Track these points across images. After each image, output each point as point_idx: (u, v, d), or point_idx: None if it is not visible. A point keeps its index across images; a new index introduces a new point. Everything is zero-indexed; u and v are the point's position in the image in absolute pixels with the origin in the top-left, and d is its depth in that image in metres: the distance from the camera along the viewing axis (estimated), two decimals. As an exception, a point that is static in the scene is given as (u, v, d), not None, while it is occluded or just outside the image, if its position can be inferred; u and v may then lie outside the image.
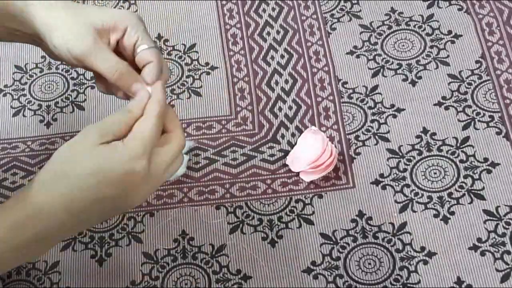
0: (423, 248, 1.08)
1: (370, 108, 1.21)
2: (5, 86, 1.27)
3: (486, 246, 1.08)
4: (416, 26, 1.28)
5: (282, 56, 1.27)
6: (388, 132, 1.18)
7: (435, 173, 1.14)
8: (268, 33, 1.30)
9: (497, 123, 1.18)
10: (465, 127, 1.18)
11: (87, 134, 0.75)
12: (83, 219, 0.76)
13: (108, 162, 0.74)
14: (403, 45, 1.26)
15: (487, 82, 1.21)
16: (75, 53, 0.79)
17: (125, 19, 0.82)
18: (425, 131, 1.18)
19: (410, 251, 1.08)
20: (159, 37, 1.31)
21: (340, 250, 1.09)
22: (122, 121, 0.77)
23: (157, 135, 0.77)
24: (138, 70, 0.83)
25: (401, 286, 1.06)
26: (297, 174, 1.15)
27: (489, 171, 1.14)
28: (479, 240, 1.09)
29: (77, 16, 0.80)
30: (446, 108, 1.20)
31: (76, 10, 0.81)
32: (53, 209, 0.74)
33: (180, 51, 1.29)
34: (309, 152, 1.13)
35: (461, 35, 1.27)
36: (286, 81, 1.25)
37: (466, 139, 1.17)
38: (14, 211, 0.74)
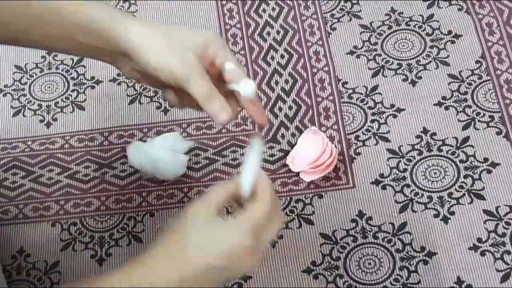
0: (423, 248, 1.08)
1: (370, 108, 1.21)
2: (5, 86, 1.27)
3: (486, 246, 1.08)
4: (416, 26, 1.28)
5: (282, 56, 1.27)
6: (388, 132, 1.18)
7: (435, 173, 1.14)
8: (268, 33, 1.30)
9: (497, 123, 1.18)
10: (465, 127, 1.18)
11: (205, 207, 0.81)
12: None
13: (222, 235, 0.80)
14: (403, 45, 1.26)
15: (487, 82, 1.21)
16: (177, 77, 0.83)
17: (214, 41, 0.87)
18: (425, 131, 1.18)
19: (410, 251, 1.08)
20: (159, 37, 1.30)
21: (340, 250, 1.09)
22: (230, 195, 0.84)
23: (264, 216, 0.82)
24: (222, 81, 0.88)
25: (401, 286, 1.06)
26: (297, 174, 1.15)
27: (489, 171, 1.14)
28: (479, 240, 1.09)
29: (174, 39, 0.85)
30: (446, 108, 1.20)
31: (171, 32, 0.86)
32: (171, 280, 0.79)
33: (180, 51, 1.29)
34: (309, 152, 1.14)
35: (461, 35, 1.27)
36: (286, 81, 1.25)
37: (466, 139, 1.17)
38: (135, 277, 0.79)
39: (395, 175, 1.14)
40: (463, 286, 1.05)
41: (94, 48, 0.88)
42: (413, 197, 1.12)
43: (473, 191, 1.12)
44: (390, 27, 1.29)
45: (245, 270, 0.82)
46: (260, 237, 0.81)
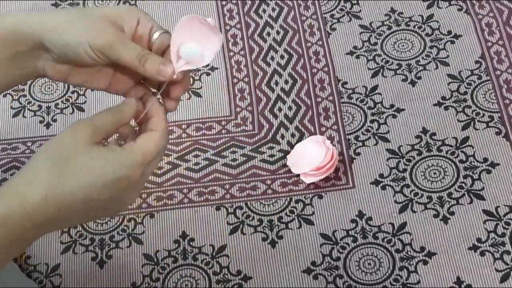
0: (422, 248, 1.08)
1: (369, 108, 1.21)
2: (6, 87, 1.27)
3: (486, 246, 1.08)
4: (416, 26, 1.28)
5: (282, 57, 1.27)
6: (388, 132, 1.19)
7: (434, 173, 1.14)
8: (268, 34, 1.30)
9: (496, 123, 1.18)
10: (464, 127, 1.18)
11: (78, 131, 0.75)
12: (68, 218, 0.76)
13: (104, 165, 0.74)
14: (403, 45, 1.26)
15: (487, 82, 1.21)
16: (98, 44, 0.77)
17: (134, 11, 0.81)
18: (424, 131, 1.18)
19: (410, 251, 1.08)
20: (159, 37, 1.31)
21: (340, 250, 1.09)
22: (114, 123, 0.77)
23: (157, 151, 0.77)
24: None
25: (401, 286, 1.06)
26: (297, 174, 1.15)
27: (488, 171, 1.14)
28: (478, 240, 1.09)
29: (88, 14, 0.79)
30: (446, 108, 1.20)
31: (85, 10, 0.81)
32: (46, 206, 0.73)
33: (180, 52, 1.29)
34: (311, 159, 1.13)
35: (460, 35, 1.27)
36: (286, 82, 1.25)
37: (466, 139, 1.17)
38: (7, 204, 0.73)
39: (394, 175, 1.15)
40: (462, 286, 1.05)
41: (10, 56, 0.81)
42: (412, 197, 1.12)
43: (473, 191, 1.12)
44: (390, 28, 1.29)
45: (128, 204, 0.78)
46: (146, 170, 0.76)
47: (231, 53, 1.28)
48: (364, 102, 1.22)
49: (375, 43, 1.27)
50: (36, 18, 0.79)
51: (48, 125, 1.23)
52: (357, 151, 1.17)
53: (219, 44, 0.78)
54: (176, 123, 1.22)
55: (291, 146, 1.18)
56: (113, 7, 0.81)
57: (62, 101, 1.25)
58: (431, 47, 1.26)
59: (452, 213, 1.11)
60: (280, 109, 1.22)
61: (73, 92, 1.26)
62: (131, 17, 0.80)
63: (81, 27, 0.78)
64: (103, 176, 0.74)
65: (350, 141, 1.18)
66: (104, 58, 0.77)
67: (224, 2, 1.34)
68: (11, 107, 1.25)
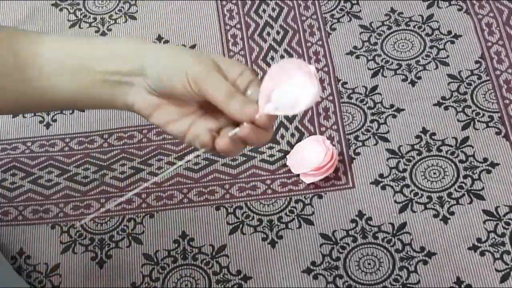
0: (422, 248, 1.08)
1: (369, 108, 1.21)
2: (6, 87, 1.27)
3: (486, 246, 1.08)
4: (416, 26, 1.28)
5: (282, 57, 1.27)
6: (388, 132, 1.19)
7: (434, 173, 1.14)
8: (268, 34, 1.30)
9: (496, 123, 1.18)
10: (464, 127, 1.18)
11: None
12: None
13: None
14: (403, 45, 1.26)
15: (487, 82, 1.21)
16: (194, 71, 0.75)
17: (241, 64, 0.79)
18: (424, 131, 1.18)
19: (410, 251, 1.08)
20: (159, 37, 1.31)
21: (340, 250, 1.09)
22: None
23: None
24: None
25: (400, 286, 1.06)
26: (297, 174, 1.15)
27: (488, 171, 1.14)
28: (478, 240, 1.09)
29: (194, 50, 0.79)
30: (446, 108, 1.20)
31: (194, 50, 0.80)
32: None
33: (180, 52, 1.29)
34: (311, 159, 1.13)
35: (460, 35, 1.27)
36: (286, 82, 1.24)
37: (466, 139, 1.17)
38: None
39: (394, 175, 1.15)
40: (462, 286, 1.05)
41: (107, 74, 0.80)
42: (412, 197, 1.12)
43: (473, 191, 1.12)
44: (389, 28, 1.29)
45: None
46: None
47: (231, 53, 1.28)
48: (364, 102, 1.22)
49: (375, 43, 1.27)
50: (143, 45, 0.80)
51: (48, 125, 1.23)
52: (357, 151, 1.17)
53: (315, 97, 0.73)
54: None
55: (291, 146, 1.18)
56: (224, 57, 0.80)
57: (62, 101, 1.25)
58: (431, 47, 1.26)
59: (452, 213, 1.11)
60: (280, 109, 1.22)
61: (73, 92, 1.26)
62: (235, 68, 0.78)
63: (184, 53, 0.77)
64: None
65: (350, 141, 1.18)
66: (195, 89, 0.75)
67: (224, 2, 1.34)
68: (11, 107, 1.25)
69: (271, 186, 1.15)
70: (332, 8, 1.32)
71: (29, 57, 0.79)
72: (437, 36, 1.27)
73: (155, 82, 0.77)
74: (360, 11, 1.31)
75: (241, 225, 1.12)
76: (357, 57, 1.26)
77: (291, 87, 0.73)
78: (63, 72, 0.79)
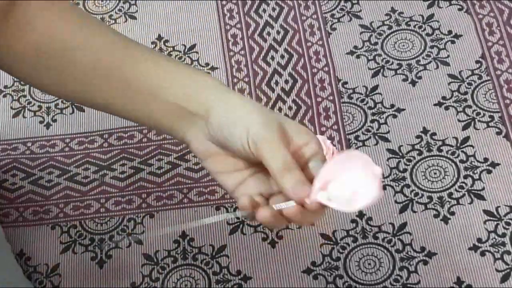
0: (423, 249, 1.08)
1: (370, 108, 1.21)
2: (5, 87, 1.27)
3: (486, 246, 1.08)
4: (416, 26, 1.28)
5: (282, 56, 1.27)
6: (388, 132, 1.18)
7: (435, 173, 1.14)
8: (268, 33, 1.30)
9: (497, 123, 1.18)
10: (465, 127, 1.18)
11: None
12: None
13: None
14: (403, 45, 1.26)
15: (487, 82, 1.21)
16: (255, 134, 0.72)
17: (309, 133, 0.75)
18: (425, 131, 1.18)
19: (410, 251, 1.08)
20: (159, 37, 1.31)
21: (340, 250, 1.09)
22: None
23: None
24: None
25: (401, 287, 1.06)
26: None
27: (489, 171, 1.14)
28: (479, 240, 1.09)
29: (267, 111, 0.75)
30: (446, 108, 1.20)
31: (267, 109, 0.77)
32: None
33: (180, 52, 1.29)
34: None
35: (461, 35, 1.26)
36: (286, 81, 1.25)
37: (466, 139, 1.17)
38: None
39: (395, 175, 1.14)
40: (463, 286, 1.05)
41: (173, 107, 0.78)
42: (413, 197, 1.12)
43: (473, 191, 1.12)
44: (390, 27, 1.28)
45: None
46: None
47: (231, 53, 1.28)
48: (365, 102, 1.21)
49: (376, 43, 1.27)
50: (215, 89, 0.78)
51: (48, 126, 1.23)
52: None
53: (373, 200, 0.68)
54: (176, 123, 1.22)
55: (291, 146, 1.18)
56: (293, 121, 0.76)
57: (62, 101, 1.25)
58: (431, 47, 1.26)
59: (453, 213, 1.11)
60: (280, 109, 1.22)
61: (73, 92, 1.26)
62: (302, 136, 0.74)
63: (252, 109, 0.74)
64: None
65: (351, 141, 1.18)
66: (254, 151, 0.72)
67: (224, 2, 1.34)
68: (11, 108, 1.25)
69: (271, 186, 1.15)
70: (333, 7, 1.32)
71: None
72: (437, 36, 1.27)
73: (216, 130, 0.75)
74: (361, 10, 1.31)
75: (241, 225, 1.12)
76: (358, 57, 1.26)
77: (351, 182, 0.69)
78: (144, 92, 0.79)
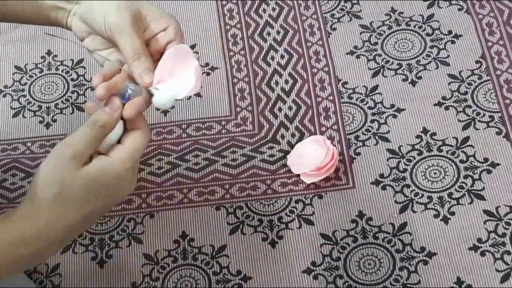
0: (423, 249, 1.08)
1: (370, 108, 1.21)
2: (5, 86, 1.27)
3: (486, 246, 1.08)
4: (416, 26, 1.28)
5: (282, 56, 1.27)
6: (388, 132, 1.18)
7: (435, 173, 1.14)
8: (268, 33, 1.30)
9: (497, 123, 1.18)
10: (465, 127, 1.18)
11: (64, 158, 0.76)
12: (76, 231, 0.79)
13: (99, 187, 0.77)
14: (403, 45, 1.26)
15: (487, 82, 1.21)
16: (111, 21, 0.81)
17: (169, 19, 0.85)
18: (425, 131, 1.18)
19: (410, 252, 1.08)
20: (159, 37, 1.30)
21: (340, 250, 1.09)
22: (96, 138, 0.78)
23: (144, 147, 0.80)
24: None
25: (401, 287, 1.06)
26: (297, 174, 1.15)
27: (489, 171, 1.14)
28: (479, 240, 1.09)
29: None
30: (446, 108, 1.20)
31: None
32: (55, 229, 0.77)
33: (180, 52, 1.29)
34: (311, 159, 1.13)
35: (461, 35, 1.26)
36: (286, 81, 1.25)
37: (466, 139, 1.17)
38: (18, 227, 0.76)
39: (395, 175, 1.14)
40: (463, 286, 1.05)
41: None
42: (413, 198, 1.12)
43: (473, 191, 1.12)
44: (390, 27, 1.28)
45: (123, 198, 0.81)
46: (135, 166, 0.79)
47: (231, 53, 1.28)
48: (365, 102, 1.21)
49: (376, 43, 1.27)
50: None
51: (48, 125, 1.23)
52: (357, 151, 1.17)
53: (193, 89, 0.81)
54: (176, 123, 1.22)
55: (291, 146, 1.18)
56: (154, 7, 0.85)
57: (62, 101, 1.25)
58: (431, 47, 1.26)
59: (453, 213, 1.11)
60: (280, 109, 1.22)
61: (73, 92, 1.26)
62: (160, 21, 0.84)
63: (109, 6, 0.82)
64: (103, 196, 0.77)
65: (350, 141, 1.18)
66: (110, 36, 0.81)
67: (224, 2, 1.34)
68: (11, 107, 1.25)
69: (272, 186, 1.15)
70: (333, 7, 1.32)
71: None
72: (437, 36, 1.27)
73: (84, 17, 0.85)
74: (361, 10, 1.31)
75: (241, 225, 1.12)
76: (358, 57, 1.26)
77: (177, 77, 0.81)
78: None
